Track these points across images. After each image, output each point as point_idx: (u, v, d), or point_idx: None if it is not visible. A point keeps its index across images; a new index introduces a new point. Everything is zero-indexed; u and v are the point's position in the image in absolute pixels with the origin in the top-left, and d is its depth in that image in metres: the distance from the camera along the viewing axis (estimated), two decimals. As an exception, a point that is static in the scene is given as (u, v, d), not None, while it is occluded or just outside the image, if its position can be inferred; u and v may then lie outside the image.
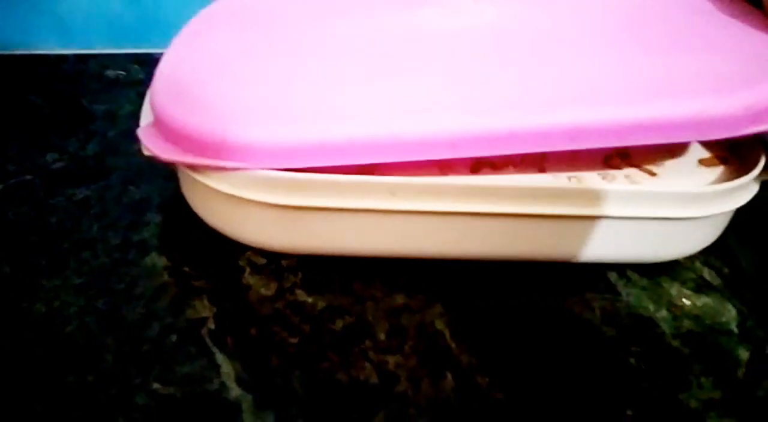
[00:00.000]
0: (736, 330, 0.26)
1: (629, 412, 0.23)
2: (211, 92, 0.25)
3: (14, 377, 0.23)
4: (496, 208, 0.25)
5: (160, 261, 0.28)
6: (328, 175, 0.24)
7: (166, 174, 0.32)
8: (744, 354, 0.25)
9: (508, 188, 0.25)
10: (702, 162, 0.28)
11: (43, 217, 0.30)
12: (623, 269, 0.29)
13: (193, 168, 0.25)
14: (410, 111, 0.24)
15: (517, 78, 0.25)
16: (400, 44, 0.27)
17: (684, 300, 0.28)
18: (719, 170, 0.28)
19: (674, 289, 0.28)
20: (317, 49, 0.28)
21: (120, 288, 0.27)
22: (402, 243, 0.27)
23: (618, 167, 0.28)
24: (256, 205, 0.25)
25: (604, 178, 0.27)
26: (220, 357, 0.24)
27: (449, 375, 0.24)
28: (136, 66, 0.41)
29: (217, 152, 0.24)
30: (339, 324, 0.26)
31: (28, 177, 0.32)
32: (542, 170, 0.28)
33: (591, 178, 0.27)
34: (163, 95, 0.26)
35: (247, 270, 0.28)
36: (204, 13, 0.31)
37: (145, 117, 0.28)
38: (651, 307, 0.27)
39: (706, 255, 0.29)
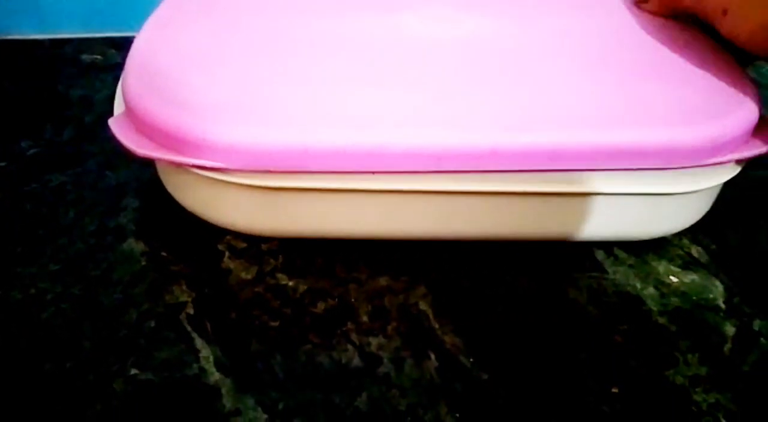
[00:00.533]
0: (723, 306, 0.26)
1: (615, 389, 0.23)
2: (189, 87, 0.25)
3: (-12, 366, 0.23)
4: (480, 187, 0.25)
5: (138, 246, 0.27)
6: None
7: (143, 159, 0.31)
8: (730, 330, 0.25)
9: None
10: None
11: (19, 204, 0.29)
12: (610, 247, 0.28)
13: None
14: (394, 123, 0.24)
15: (499, 95, 0.25)
16: (380, 49, 0.27)
17: (671, 277, 0.27)
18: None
19: (662, 267, 0.28)
20: (296, 47, 0.27)
21: (97, 274, 0.26)
22: (384, 225, 0.26)
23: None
24: (235, 187, 0.25)
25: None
26: (199, 342, 0.24)
27: (432, 356, 0.24)
28: (112, 50, 0.40)
29: (194, 150, 0.23)
30: (321, 306, 0.25)
31: (3, 164, 0.32)
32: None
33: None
34: (137, 86, 0.25)
35: (227, 254, 0.27)
36: None
37: (119, 105, 0.27)
38: (638, 285, 0.27)
39: (694, 232, 0.29)
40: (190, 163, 0.24)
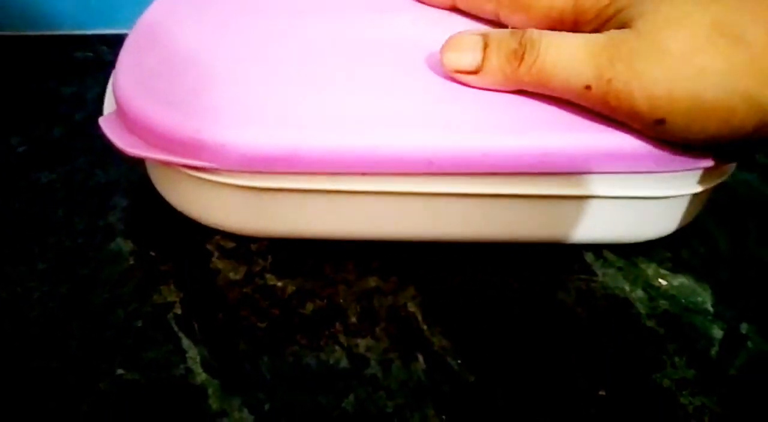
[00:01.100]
0: (711, 309, 0.26)
1: (602, 392, 0.23)
2: (180, 87, 0.24)
3: (-27, 365, 0.23)
4: (469, 189, 0.25)
5: (126, 245, 0.27)
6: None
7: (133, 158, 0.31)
8: (718, 333, 0.25)
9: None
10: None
11: (7, 202, 0.29)
12: (599, 249, 0.28)
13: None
14: (385, 124, 0.24)
15: (490, 97, 0.25)
16: (372, 50, 0.27)
17: (660, 280, 0.27)
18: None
19: (651, 269, 0.28)
20: (287, 48, 0.27)
21: (84, 273, 0.26)
22: (374, 226, 0.26)
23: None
24: (226, 187, 0.24)
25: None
26: (186, 343, 0.24)
27: (421, 358, 0.24)
28: (104, 47, 0.39)
29: (185, 150, 0.23)
30: (309, 307, 0.25)
31: (-8, 161, 0.31)
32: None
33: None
34: (127, 85, 0.25)
35: (216, 254, 0.27)
36: None
37: (109, 105, 0.27)
38: (627, 288, 0.27)
39: (684, 235, 0.29)
40: (181, 163, 0.24)
